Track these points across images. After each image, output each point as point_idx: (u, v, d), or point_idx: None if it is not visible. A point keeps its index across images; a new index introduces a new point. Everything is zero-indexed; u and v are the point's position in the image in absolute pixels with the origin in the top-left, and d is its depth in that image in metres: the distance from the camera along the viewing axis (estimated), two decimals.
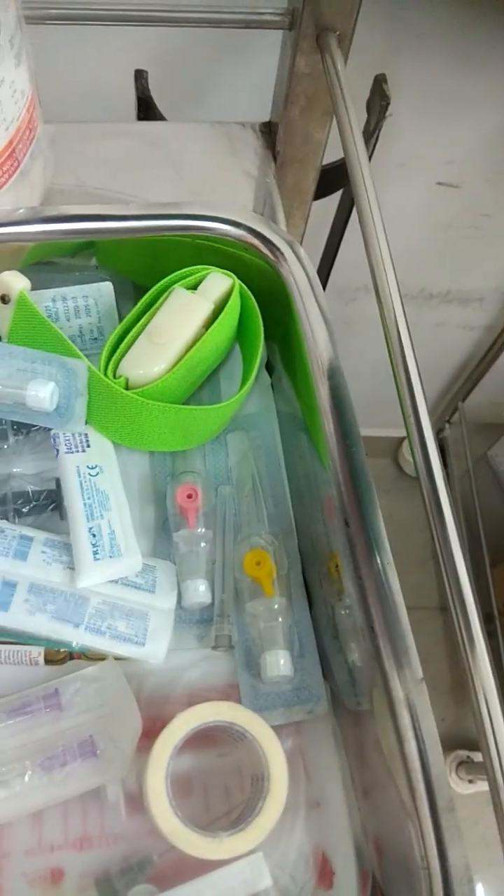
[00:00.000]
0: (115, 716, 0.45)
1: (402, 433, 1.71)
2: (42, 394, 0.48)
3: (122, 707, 0.45)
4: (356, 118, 0.55)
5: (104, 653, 0.48)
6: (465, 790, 1.42)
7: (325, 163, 0.76)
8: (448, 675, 1.45)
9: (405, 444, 1.68)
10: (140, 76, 0.79)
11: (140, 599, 0.49)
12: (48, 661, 0.48)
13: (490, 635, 1.41)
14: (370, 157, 0.87)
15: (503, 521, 1.48)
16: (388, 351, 0.49)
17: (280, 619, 0.49)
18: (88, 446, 0.52)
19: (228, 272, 0.55)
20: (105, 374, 0.51)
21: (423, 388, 0.48)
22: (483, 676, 0.41)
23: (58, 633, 0.46)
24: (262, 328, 0.55)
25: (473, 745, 1.44)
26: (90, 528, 0.49)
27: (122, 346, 0.52)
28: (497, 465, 1.49)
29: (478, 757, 1.40)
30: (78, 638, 0.47)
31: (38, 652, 0.47)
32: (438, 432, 1.63)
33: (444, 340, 1.42)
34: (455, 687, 1.44)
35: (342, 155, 0.77)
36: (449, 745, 1.46)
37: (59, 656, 0.48)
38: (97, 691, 0.45)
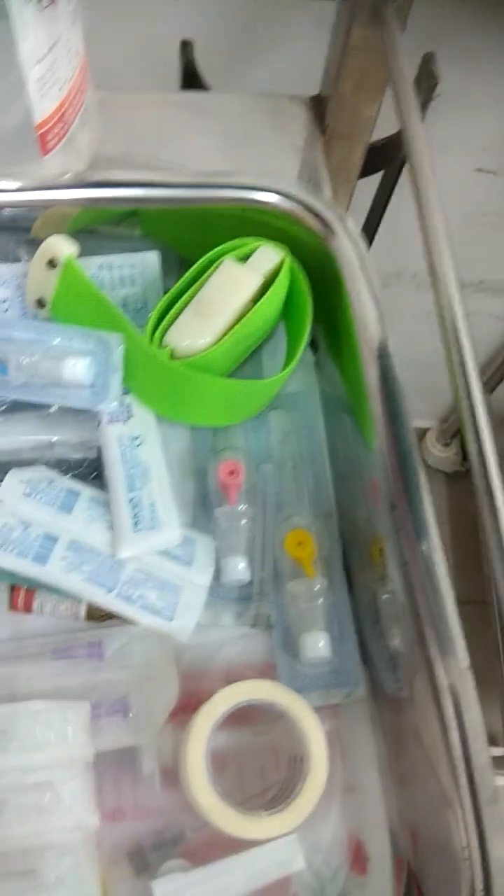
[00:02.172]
0: (154, 681, 0.44)
1: (426, 424, 1.70)
2: (79, 367, 0.47)
3: (162, 674, 0.45)
4: (414, 93, 0.54)
5: (131, 621, 0.47)
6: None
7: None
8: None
9: (429, 435, 1.67)
10: (186, 46, 0.78)
11: (176, 571, 0.49)
12: (89, 618, 0.48)
13: None
14: None
15: None
16: (444, 340, 0.48)
17: (320, 601, 0.48)
18: (130, 417, 0.52)
19: (281, 245, 0.54)
20: (150, 344, 0.50)
21: (480, 383, 0.47)
22: None
23: (90, 595, 0.47)
24: (311, 305, 0.53)
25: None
26: (131, 499, 0.49)
27: (169, 316, 0.51)
28: None
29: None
30: (108, 603, 0.47)
31: (80, 607, 0.47)
32: None
33: (473, 331, 1.39)
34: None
35: (385, 133, 0.75)
36: None
37: (100, 613, 0.48)
38: (141, 652, 0.45)
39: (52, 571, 0.46)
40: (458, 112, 0.93)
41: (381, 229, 1.01)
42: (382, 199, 0.96)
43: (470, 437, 0.45)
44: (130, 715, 0.44)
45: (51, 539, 0.47)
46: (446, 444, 1.66)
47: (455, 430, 1.63)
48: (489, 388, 1.47)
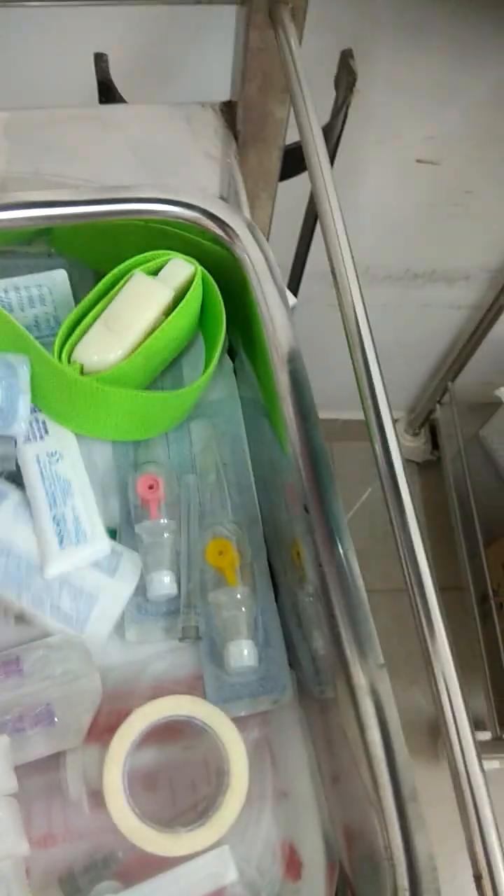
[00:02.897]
0: (76, 685, 0.44)
1: (395, 415, 1.70)
2: None
3: (83, 677, 0.45)
4: (311, 94, 0.54)
5: (41, 626, 0.47)
6: None
7: (291, 142, 0.74)
8: None
9: (397, 425, 1.67)
10: (100, 59, 0.77)
11: (97, 580, 0.49)
12: (18, 620, 0.48)
13: (485, 616, 1.40)
14: (340, 134, 0.85)
15: (496, 501, 1.47)
16: (347, 339, 0.48)
17: (244, 609, 0.48)
18: (47, 433, 0.52)
19: (190, 258, 0.54)
20: (59, 360, 0.49)
21: (381, 374, 0.47)
22: (444, 663, 0.40)
23: None
24: (224, 315, 0.53)
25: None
26: (54, 516, 0.49)
27: (77, 331, 0.51)
28: (489, 444, 1.47)
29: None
30: (17, 605, 0.47)
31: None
32: (429, 414, 1.62)
33: (431, 321, 1.40)
34: None
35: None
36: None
37: None
38: (60, 660, 0.45)
39: None
40: (392, 105, 0.94)
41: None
42: None
43: (375, 435, 0.45)
44: (56, 721, 0.44)
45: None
46: (415, 434, 1.66)
47: (423, 420, 1.63)
48: (451, 376, 1.47)
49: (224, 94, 0.72)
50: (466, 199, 1.12)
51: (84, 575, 0.49)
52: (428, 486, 1.69)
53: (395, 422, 0.46)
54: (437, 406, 1.59)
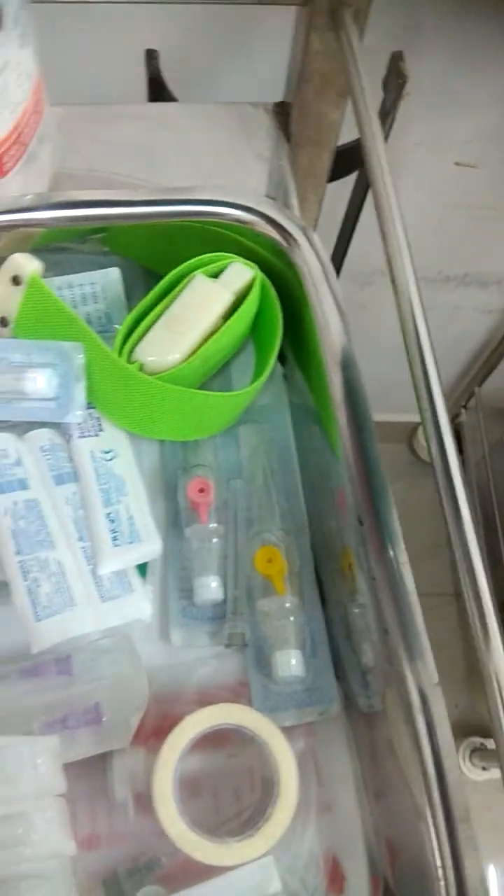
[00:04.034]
0: (124, 685, 0.45)
1: (417, 418, 1.68)
2: (40, 379, 0.47)
3: (131, 678, 0.45)
4: (372, 97, 0.53)
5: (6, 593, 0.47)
6: (478, 777, 1.41)
7: (339, 144, 0.74)
8: (462, 662, 1.44)
9: (420, 429, 1.66)
10: (151, 56, 0.77)
11: (88, 590, 0.49)
12: None
13: None
14: (387, 137, 0.84)
15: None
16: (404, 338, 0.47)
17: (292, 618, 0.48)
18: (101, 430, 0.52)
19: (250, 263, 0.53)
20: (120, 358, 0.49)
21: (438, 375, 0.47)
22: (498, 667, 0.40)
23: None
24: (281, 320, 0.53)
25: (487, 732, 1.43)
26: (108, 514, 0.49)
27: (138, 331, 0.51)
28: None
29: (491, 744, 1.39)
30: (5, 561, 0.47)
31: None
32: (454, 417, 1.61)
33: (460, 324, 1.39)
34: (469, 673, 1.43)
35: (356, 135, 0.75)
36: (463, 731, 1.45)
37: None
38: (109, 662, 0.45)
39: None
40: (435, 107, 0.93)
41: (362, 225, 1.00)
42: (359, 197, 0.95)
43: (431, 434, 0.45)
44: (103, 721, 0.44)
45: (21, 483, 0.48)
46: None
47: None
48: (478, 381, 1.46)
49: (273, 94, 0.71)
50: (503, 203, 1.11)
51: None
52: None
53: (452, 421, 0.46)
54: (463, 410, 1.58)
